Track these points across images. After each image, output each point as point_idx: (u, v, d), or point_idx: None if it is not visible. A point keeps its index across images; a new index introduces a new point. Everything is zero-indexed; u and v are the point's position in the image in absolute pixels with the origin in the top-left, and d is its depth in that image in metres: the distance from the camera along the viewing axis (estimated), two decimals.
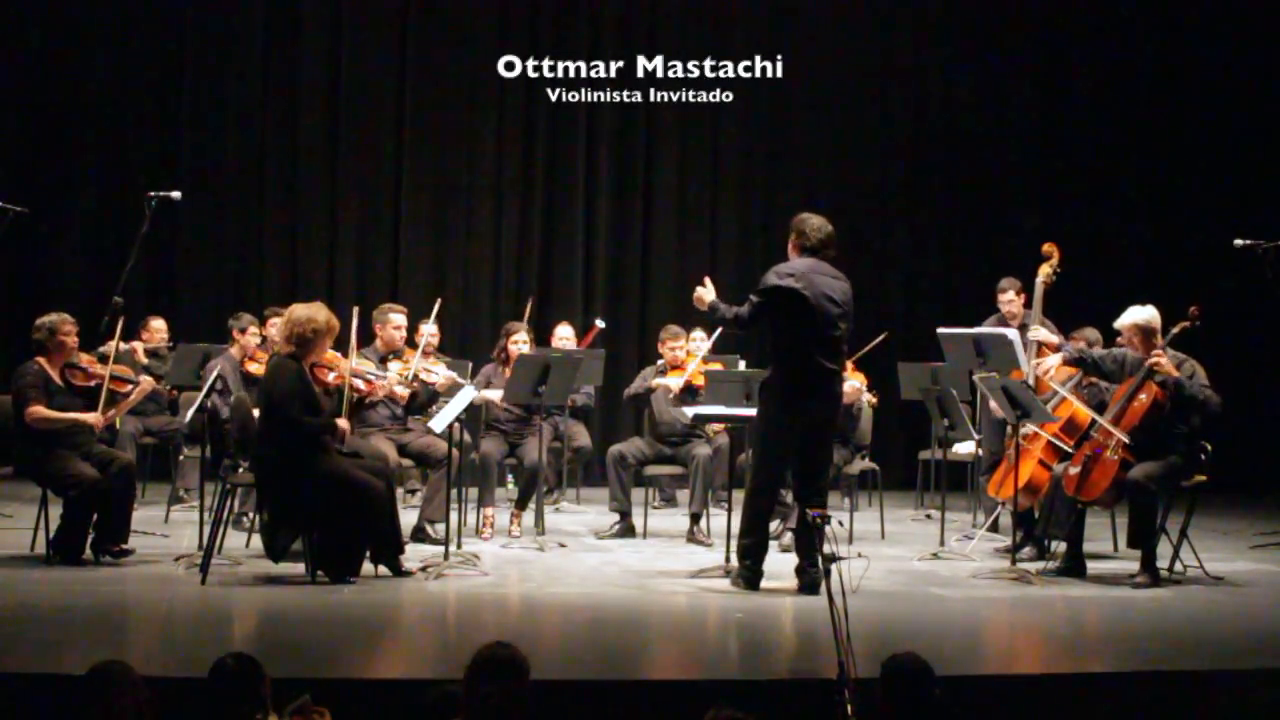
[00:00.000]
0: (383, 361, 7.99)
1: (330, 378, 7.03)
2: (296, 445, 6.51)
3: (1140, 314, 7.15)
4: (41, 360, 6.95)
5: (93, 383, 7.03)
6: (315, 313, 6.69)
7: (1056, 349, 8.01)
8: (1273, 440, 10.79)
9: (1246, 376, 10.41)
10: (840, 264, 6.81)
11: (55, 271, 10.79)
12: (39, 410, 6.80)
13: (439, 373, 8.06)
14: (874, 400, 8.67)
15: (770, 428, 6.59)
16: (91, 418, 6.94)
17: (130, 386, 7.22)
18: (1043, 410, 7.22)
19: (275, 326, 7.80)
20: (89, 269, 10.70)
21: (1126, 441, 6.98)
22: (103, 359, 7.25)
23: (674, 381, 8.48)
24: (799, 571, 6.50)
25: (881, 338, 9.02)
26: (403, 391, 7.79)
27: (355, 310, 7.58)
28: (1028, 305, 8.19)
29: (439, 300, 8.43)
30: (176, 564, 6.86)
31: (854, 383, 8.18)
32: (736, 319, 6.61)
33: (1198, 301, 7.15)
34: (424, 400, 8.08)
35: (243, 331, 8.41)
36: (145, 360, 8.98)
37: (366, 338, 8.42)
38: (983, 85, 11.68)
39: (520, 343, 8.43)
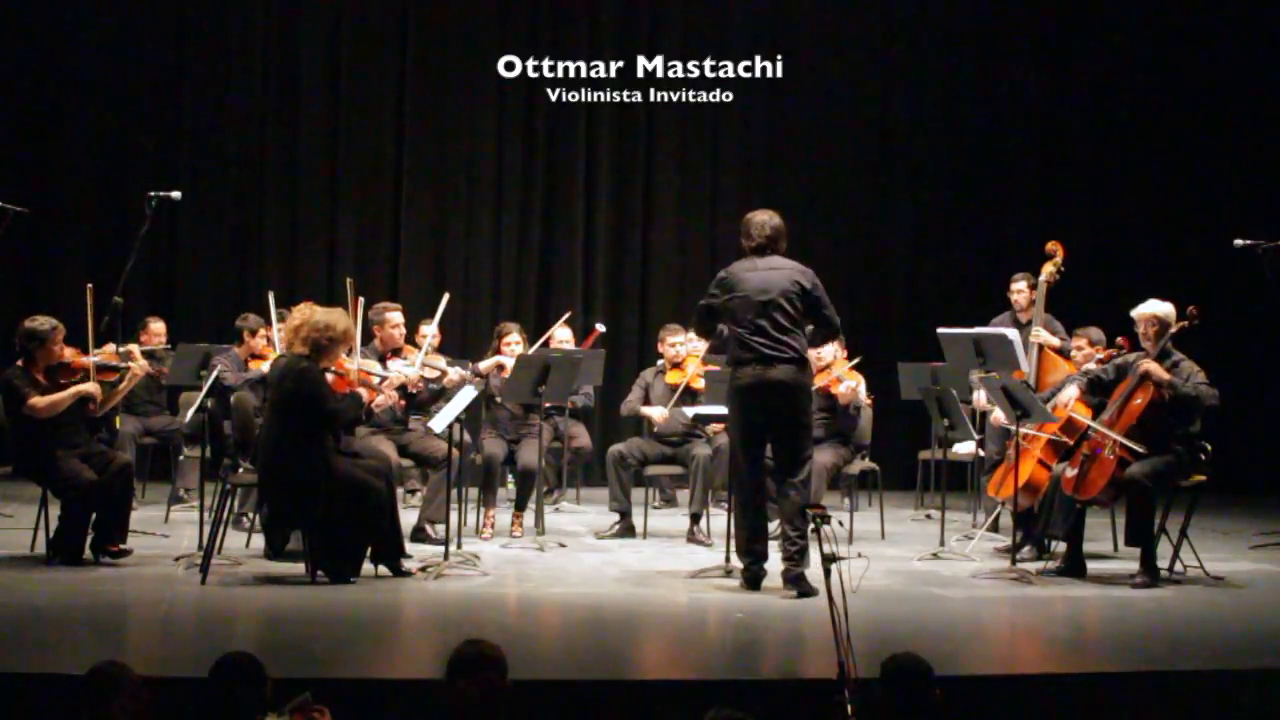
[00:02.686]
0: (382, 360, 7.99)
1: (332, 380, 7.02)
2: (304, 445, 6.50)
3: (1161, 306, 7.18)
4: (21, 365, 6.88)
5: (77, 376, 6.96)
6: (334, 319, 6.67)
7: (1058, 350, 8.04)
8: (1273, 440, 10.79)
9: (1246, 376, 10.41)
10: (840, 263, 6.84)
11: (55, 271, 10.79)
12: (39, 400, 6.75)
13: (443, 367, 8.06)
14: (868, 402, 8.60)
15: (734, 426, 6.73)
16: (89, 387, 6.88)
17: (116, 375, 7.17)
18: (1043, 410, 7.22)
19: (280, 327, 7.81)
20: (89, 269, 10.69)
21: (1123, 442, 6.98)
22: (86, 350, 7.21)
23: (657, 412, 8.48)
24: (782, 569, 6.51)
25: (855, 360, 8.80)
26: (413, 375, 7.78)
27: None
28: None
29: (445, 296, 8.32)
30: (176, 564, 6.86)
31: (850, 383, 8.17)
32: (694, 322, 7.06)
33: (1198, 301, 7.16)
34: (426, 398, 8.09)
35: (253, 334, 8.41)
36: (142, 360, 8.93)
37: (364, 337, 8.44)
38: (983, 85, 11.67)
39: (514, 344, 8.42)
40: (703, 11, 11.58)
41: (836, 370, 8.24)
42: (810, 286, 6.62)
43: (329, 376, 6.87)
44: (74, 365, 6.99)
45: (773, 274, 6.62)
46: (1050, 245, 8.20)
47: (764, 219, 6.75)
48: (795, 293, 6.58)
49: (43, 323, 6.93)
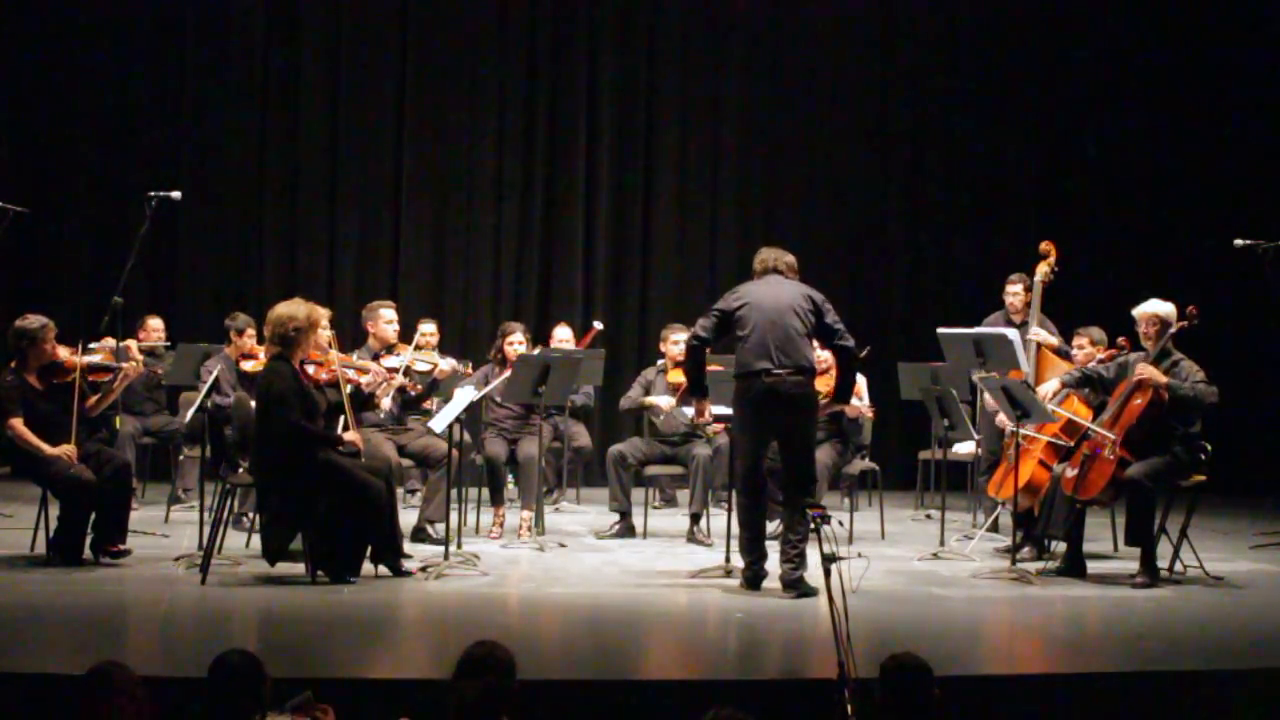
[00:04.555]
0: (375, 359, 7.99)
1: (322, 376, 7.01)
2: (295, 446, 6.50)
3: (1162, 305, 7.19)
4: (15, 368, 6.87)
5: (70, 376, 6.91)
6: (294, 309, 6.67)
7: (1055, 350, 8.05)
8: (1273, 440, 10.79)
9: (1246, 376, 10.41)
10: (840, 264, 6.85)
11: (55, 271, 10.79)
12: (18, 425, 6.74)
13: (435, 361, 8.06)
14: (871, 414, 8.57)
15: (741, 431, 6.73)
16: (63, 450, 6.74)
17: (111, 375, 7.15)
18: (1042, 410, 7.22)
19: None
20: (89, 269, 10.69)
21: (1118, 440, 6.99)
22: (87, 350, 7.19)
23: (664, 400, 8.48)
24: (781, 572, 6.50)
25: (863, 352, 8.85)
26: (398, 376, 7.75)
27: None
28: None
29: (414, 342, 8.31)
30: (176, 564, 6.86)
31: (856, 402, 8.14)
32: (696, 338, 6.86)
33: (1198, 301, 7.16)
34: (420, 394, 8.08)
35: (240, 333, 8.40)
36: (140, 357, 8.91)
37: (360, 337, 8.44)
38: (983, 85, 11.68)
39: (517, 344, 8.43)
40: (703, 13, 11.58)
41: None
42: (821, 303, 6.67)
43: (309, 368, 6.85)
44: (67, 365, 6.97)
45: (782, 288, 6.69)
46: (1044, 245, 8.21)
47: (777, 251, 6.92)
48: (806, 308, 6.63)
49: (33, 321, 6.92)
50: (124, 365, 7.25)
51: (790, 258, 6.87)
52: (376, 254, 11.31)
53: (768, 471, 6.80)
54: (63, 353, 7.01)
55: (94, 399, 7.08)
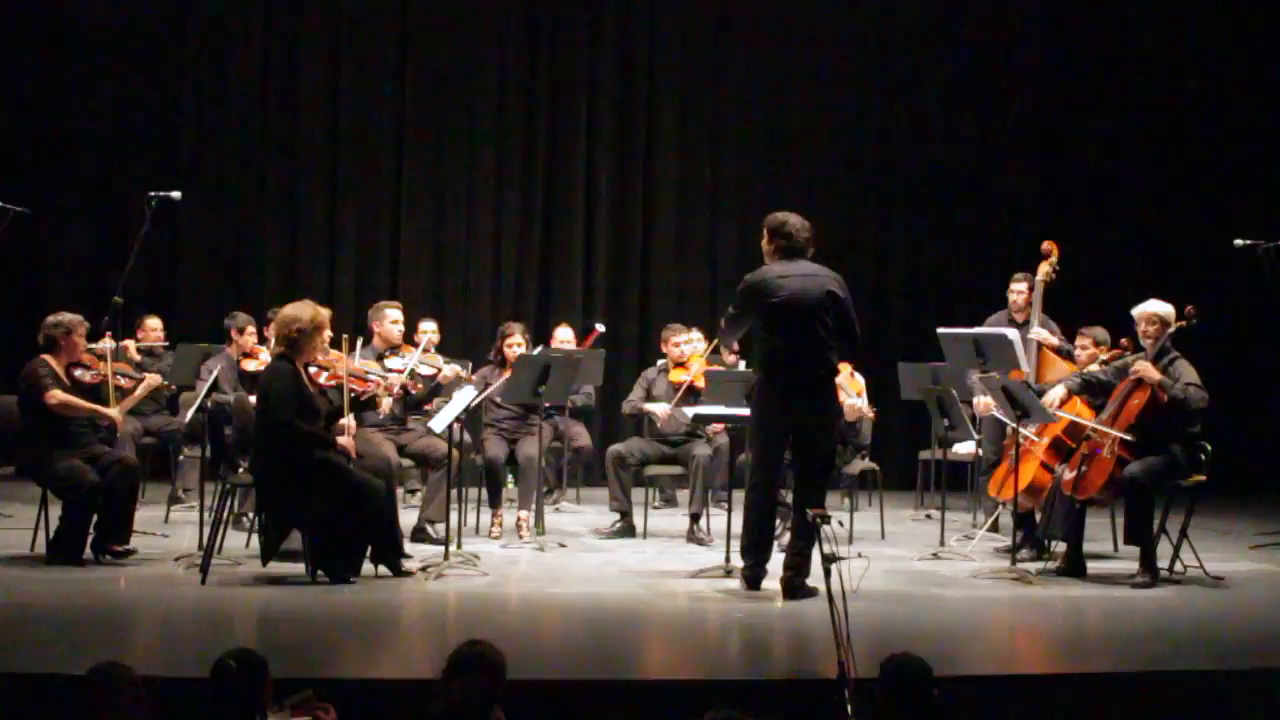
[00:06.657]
0: (380, 359, 7.99)
1: (323, 378, 7.01)
2: (290, 445, 6.50)
3: (1161, 306, 7.19)
4: (48, 357, 6.96)
5: (97, 380, 7.06)
6: (300, 311, 6.67)
7: (1056, 350, 8.04)
8: (1273, 440, 10.79)
9: (1246, 376, 10.41)
10: (840, 263, 6.81)
11: (55, 271, 10.79)
12: (59, 394, 6.83)
13: (439, 365, 8.07)
14: (872, 415, 8.58)
15: (760, 430, 6.60)
16: (112, 412, 7.01)
17: (133, 382, 7.25)
18: (1043, 410, 7.21)
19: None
20: (89, 269, 10.69)
21: (1123, 438, 6.99)
22: (102, 356, 7.26)
23: (661, 408, 8.47)
24: (782, 576, 6.48)
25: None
26: (402, 380, 7.76)
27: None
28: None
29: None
30: (176, 564, 6.86)
31: (854, 400, 8.14)
32: (719, 331, 6.74)
33: (1197, 301, 7.17)
34: (422, 396, 8.09)
35: (240, 331, 8.41)
36: (138, 358, 8.94)
37: (362, 337, 8.43)
38: (983, 85, 11.68)
39: (516, 345, 8.42)
40: (703, 10, 11.58)
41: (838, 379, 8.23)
42: (843, 294, 6.52)
43: (313, 370, 6.85)
44: (93, 367, 7.11)
45: (808, 281, 6.48)
46: (1045, 245, 8.21)
47: (801, 221, 6.62)
48: (830, 304, 6.47)
49: (64, 315, 7.10)
50: (148, 375, 7.36)
51: (809, 227, 6.63)
52: (376, 254, 11.31)
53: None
54: (88, 357, 7.16)
55: (121, 427, 7.21)
